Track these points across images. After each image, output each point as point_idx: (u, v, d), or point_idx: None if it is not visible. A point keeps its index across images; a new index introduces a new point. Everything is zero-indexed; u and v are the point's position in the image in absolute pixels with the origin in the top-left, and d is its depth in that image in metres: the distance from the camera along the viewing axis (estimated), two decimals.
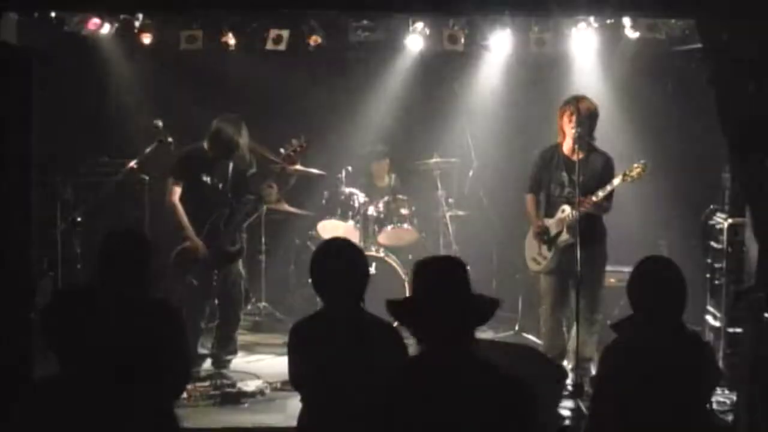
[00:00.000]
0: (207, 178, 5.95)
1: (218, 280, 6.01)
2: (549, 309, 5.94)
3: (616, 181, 5.67)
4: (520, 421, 2.65)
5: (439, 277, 2.81)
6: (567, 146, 5.80)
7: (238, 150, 5.90)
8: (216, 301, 6.13)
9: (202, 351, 6.14)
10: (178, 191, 5.94)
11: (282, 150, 6.13)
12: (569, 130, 5.73)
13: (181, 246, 5.89)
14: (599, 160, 5.82)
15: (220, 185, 5.97)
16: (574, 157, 5.61)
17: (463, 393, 2.64)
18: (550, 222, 5.92)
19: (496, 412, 2.63)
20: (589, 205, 5.66)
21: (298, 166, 7.47)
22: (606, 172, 5.77)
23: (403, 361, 3.31)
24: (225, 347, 6.11)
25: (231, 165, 5.98)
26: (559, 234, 5.84)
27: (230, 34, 7.48)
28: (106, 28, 7.25)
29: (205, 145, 5.96)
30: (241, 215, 6.04)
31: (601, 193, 5.66)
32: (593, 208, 5.70)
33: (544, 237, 5.94)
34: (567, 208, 5.76)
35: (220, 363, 6.06)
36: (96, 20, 7.09)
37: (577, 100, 5.77)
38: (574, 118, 5.68)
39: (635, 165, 5.66)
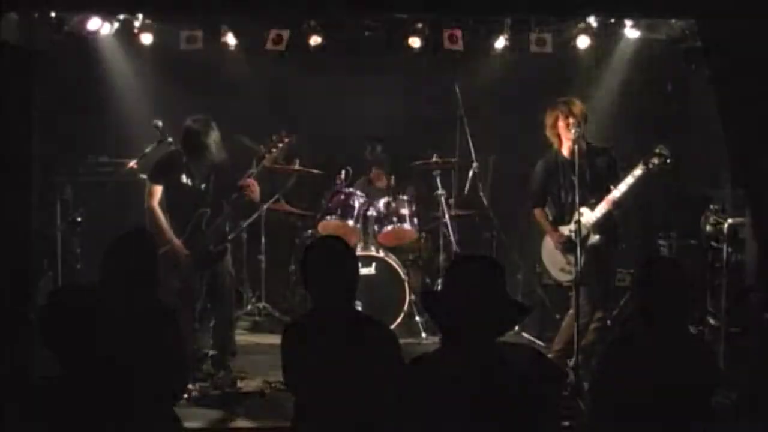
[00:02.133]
0: (187, 180, 5.93)
1: (206, 281, 6.00)
2: (584, 315, 5.64)
3: (638, 171, 5.51)
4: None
5: (478, 279, 2.92)
6: (567, 149, 5.73)
7: (209, 150, 5.88)
8: (208, 303, 6.13)
9: (201, 351, 6.14)
10: (156, 195, 5.93)
11: (262, 146, 6.16)
12: (567, 133, 5.69)
13: (162, 250, 5.89)
14: (602, 157, 5.77)
15: (202, 186, 5.96)
16: (582, 159, 5.56)
17: (482, 390, 2.77)
18: (568, 229, 5.76)
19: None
20: (615, 202, 5.58)
21: (297, 165, 7.52)
22: (612, 167, 5.74)
23: (398, 359, 3.36)
24: (223, 348, 6.10)
25: (211, 165, 5.95)
26: (586, 237, 5.65)
27: (230, 34, 7.49)
28: (106, 28, 7.25)
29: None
30: (223, 215, 6.02)
31: (623, 188, 5.55)
32: (614, 205, 5.61)
33: (568, 245, 5.72)
34: (585, 210, 5.63)
35: (220, 363, 6.06)
36: (96, 20, 7.08)
37: (567, 103, 5.72)
38: (570, 120, 5.65)
39: (656, 150, 5.50)
